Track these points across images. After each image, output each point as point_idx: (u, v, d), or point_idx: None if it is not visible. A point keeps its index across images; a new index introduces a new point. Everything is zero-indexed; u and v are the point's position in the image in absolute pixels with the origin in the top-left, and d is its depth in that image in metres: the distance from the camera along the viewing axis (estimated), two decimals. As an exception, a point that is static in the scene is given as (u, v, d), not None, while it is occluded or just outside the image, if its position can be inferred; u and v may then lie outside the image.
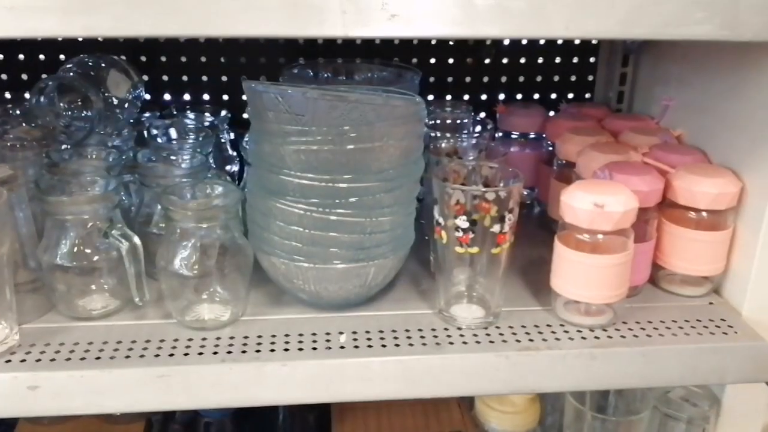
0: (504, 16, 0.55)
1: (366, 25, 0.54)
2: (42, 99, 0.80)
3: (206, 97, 1.04)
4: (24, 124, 0.81)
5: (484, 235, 0.67)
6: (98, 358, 0.65)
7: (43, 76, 0.87)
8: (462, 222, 0.67)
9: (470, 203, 0.67)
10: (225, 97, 1.03)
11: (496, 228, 0.67)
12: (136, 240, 0.68)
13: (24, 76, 0.98)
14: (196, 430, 0.82)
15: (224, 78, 1.03)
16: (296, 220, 0.68)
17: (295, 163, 0.66)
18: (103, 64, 0.85)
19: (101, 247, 0.70)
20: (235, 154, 0.96)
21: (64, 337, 0.68)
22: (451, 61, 1.05)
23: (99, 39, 0.94)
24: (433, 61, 1.05)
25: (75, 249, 0.70)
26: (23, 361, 0.64)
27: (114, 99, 0.84)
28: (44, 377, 0.62)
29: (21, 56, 0.97)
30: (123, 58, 0.89)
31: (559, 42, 1.05)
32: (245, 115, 1.02)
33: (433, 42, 1.04)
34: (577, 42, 1.06)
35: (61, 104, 0.82)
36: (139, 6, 0.51)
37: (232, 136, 0.97)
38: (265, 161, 0.69)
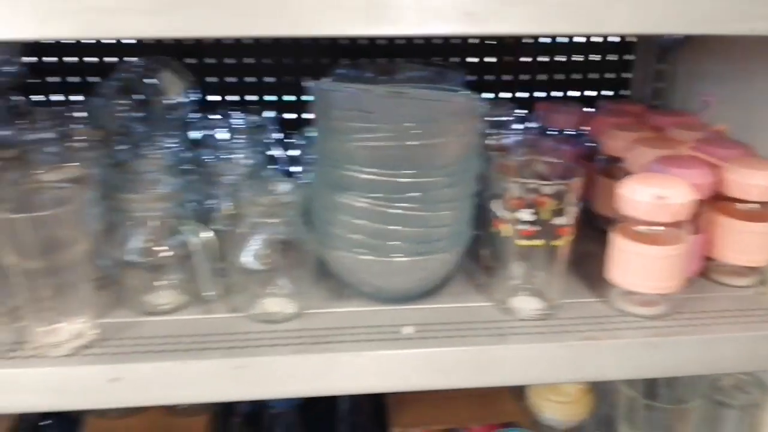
0: (573, 13, 0.57)
1: (445, 22, 0.56)
2: (103, 101, 0.82)
3: (249, 98, 1.05)
4: (86, 126, 0.83)
5: (547, 228, 0.69)
6: (174, 350, 0.66)
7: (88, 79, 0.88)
8: (525, 215, 0.68)
9: (532, 197, 0.68)
10: (271, 97, 1.05)
11: (558, 221, 0.68)
12: (208, 235, 0.70)
13: (88, 79, 1.00)
14: (261, 422, 0.84)
15: (269, 79, 1.04)
16: (361, 213, 0.70)
17: (361, 158, 0.68)
18: (157, 67, 0.87)
19: (170, 243, 0.72)
20: (281, 152, 0.98)
21: (136, 331, 0.70)
22: (489, 59, 1.07)
23: (150, 41, 0.96)
24: (471, 60, 1.07)
25: (145, 245, 0.72)
26: (102, 354, 0.66)
27: (168, 100, 0.86)
28: (125, 369, 0.64)
29: (86, 59, 0.99)
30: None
31: (598, 39, 1.07)
32: (287, 115, 1.04)
33: (471, 41, 1.06)
34: (615, 39, 1.08)
35: (121, 105, 0.84)
36: (225, 7, 0.53)
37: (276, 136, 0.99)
38: (331, 157, 0.70)
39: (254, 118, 0.94)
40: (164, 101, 0.85)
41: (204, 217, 0.76)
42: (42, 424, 0.84)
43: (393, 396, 0.86)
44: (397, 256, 0.71)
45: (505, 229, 0.71)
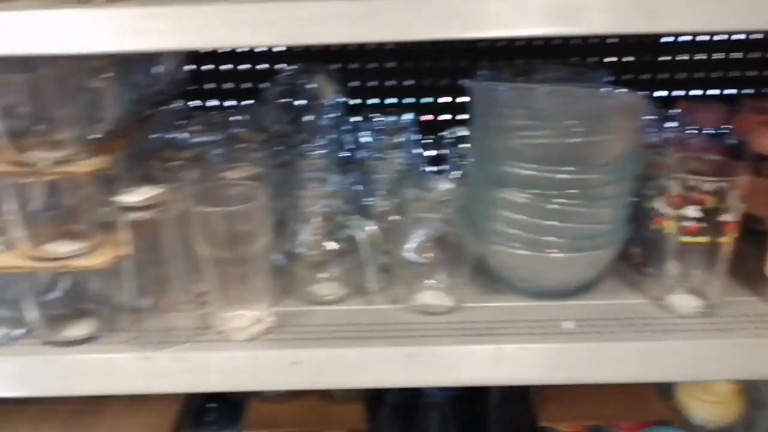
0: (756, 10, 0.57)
1: (626, 22, 0.57)
2: (266, 105, 0.88)
3: (388, 100, 1.09)
4: (249, 129, 0.89)
5: (712, 225, 0.69)
6: (345, 338, 0.70)
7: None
8: (691, 212, 0.68)
9: (694, 194, 0.69)
10: (410, 100, 1.08)
11: (725, 218, 0.68)
12: (373, 229, 0.74)
13: (244, 85, 1.06)
14: (414, 411, 0.87)
15: (408, 82, 1.07)
16: (520, 209, 0.72)
17: (523, 155, 0.70)
18: (312, 72, 0.92)
19: (335, 237, 0.76)
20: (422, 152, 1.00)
21: (307, 319, 0.74)
22: (629, 59, 1.07)
23: (299, 49, 1.01)
24: (610, 59, 1.07)
25: (312, 239, 0.76)
26: (281, 339, 0.70)
27: (323, 104, 0.91)
28: (304, 354, 0.68)
29: (245, 66, 1.05)
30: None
31: (741, 37, 1.05)
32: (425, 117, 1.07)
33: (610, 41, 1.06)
34: (759, 36, 1.05)
35: (281, 109, 0.89)
36: (420, 12, 0.56)
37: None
38: (491, 154, 0.73)
39: (394, 119, 0.98)
40: (320, 105, 0.90)
41: (365, 214, 0.80)
42: (208, 406, 0.90)
43: (540, 391, 0.88)
44: (554, 252, 0.72)
45: (667, 226, 0.71)
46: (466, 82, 0.74)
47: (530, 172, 0.71)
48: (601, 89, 0.72)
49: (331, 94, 0.92)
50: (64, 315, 0.74)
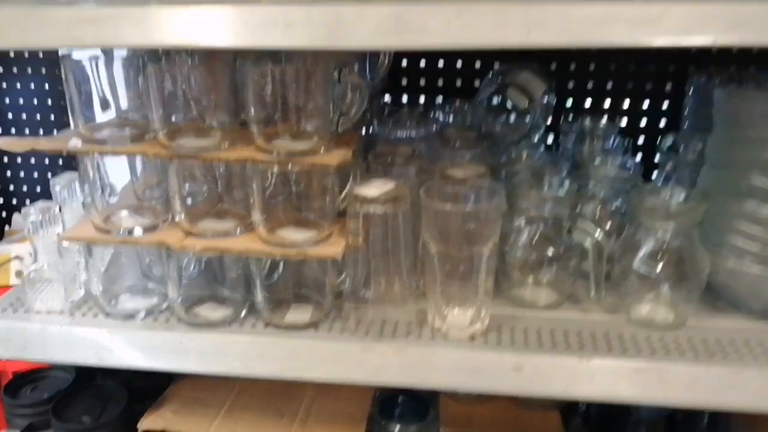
0: None
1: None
2: (482, 103, 0.87)
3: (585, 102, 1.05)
4: (460, 127, 0.88)
5: None
6: (565, 346, 0.68)
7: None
8: None
9: None
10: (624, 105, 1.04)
11: None
12: (600, 236, 0.72)
13: (458, 83, 1.06)
14: (616, 424, 0.84)
15: (625, 86, 1.03)
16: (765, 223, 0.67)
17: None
18: (524, 71, 0.90)
19: (557, 243, 0.74)
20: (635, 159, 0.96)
21: (522, 323, 0.73)
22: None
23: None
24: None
25: (533, 243, 0.75)
26: (500, 342, 0.69)
27: (535, 104, 0.89)
28: (527, 359, 0.67)
29: (458, 64, 1.05)
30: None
31: None
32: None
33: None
34: None
35: (493, 107, 0.88)
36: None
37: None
38: (738, 165, 0.69)
39: (605, 122, 0.94)
40: (532, 105, 0.88)
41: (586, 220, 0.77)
42: (400, 400, 0.90)
43: (743, 416, 0.83)
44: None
45: None
46: (716, 91, 0.70)
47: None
48: None
49: (542, 95, 0.90)
50: (284, 299, 0.76)
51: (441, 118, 0.93)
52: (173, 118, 0.70)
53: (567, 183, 0.76)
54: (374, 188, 0.68)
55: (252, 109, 0.67)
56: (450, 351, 0.69)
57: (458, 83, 1.05)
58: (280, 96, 0.67)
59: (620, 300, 0.74)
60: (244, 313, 0.75)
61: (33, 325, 0.74)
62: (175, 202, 0.72)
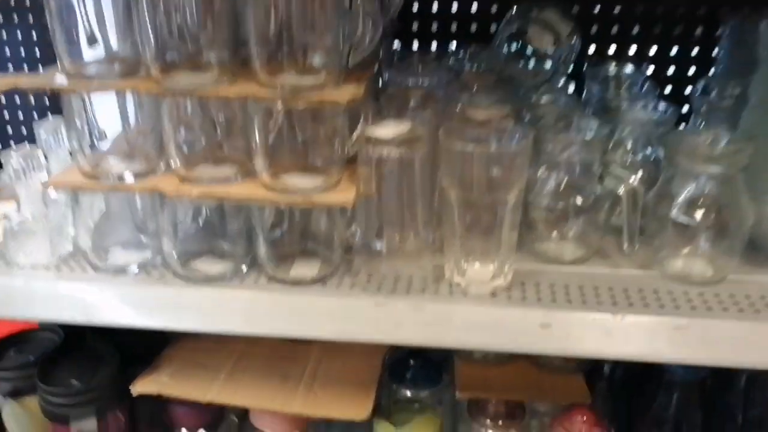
0: None
1: None
2: (500, 47, 0.81)
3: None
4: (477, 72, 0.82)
5: None
6: (587, 302, 0.63)
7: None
8: None
9: None
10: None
11: None
12: (635, 183, 0.66)
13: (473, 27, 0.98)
14: (646, 387, 0.79)
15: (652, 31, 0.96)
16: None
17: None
18: (547, 10, 0.84)
19: (586, 192, 0.68)
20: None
21: (547, 278, 0.67)
22: None
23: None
24: None
25: (559, 192, 0.69)
26: (526, 298, 0.64)
27: (557, 44, 0.83)
28: (555, 317, 0.61)
29: (473, 8, 0.97)
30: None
31: None
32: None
33: None
34: None
35: (512, 52, 0.81)
36: None
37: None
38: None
39: (632, 67, 0.88)
40: (553, 46, 0.82)
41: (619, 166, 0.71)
42: (411, 363, 0.85)
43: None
44: None
45: None
46: (763, 25, 0.64)
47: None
48: None
49: (567, 35, 0.83)
50: (290, 253, 0.70)
51: (455, 65, 0.86)
52: (167, 56, 0.63)
53: (596, 126, 0.69)
54: (388, 129, 0.62)
55: (253, 42, 0.61)
56: (470, 307, 0.63)
57: (473, 28, 0.98)
58: (285, 27, 0.60)
59: (654, 254, 0.68)
60: (245, 267, 0.69)
61: (15, 280, 0.68)
62: (169, 147, 0.66)
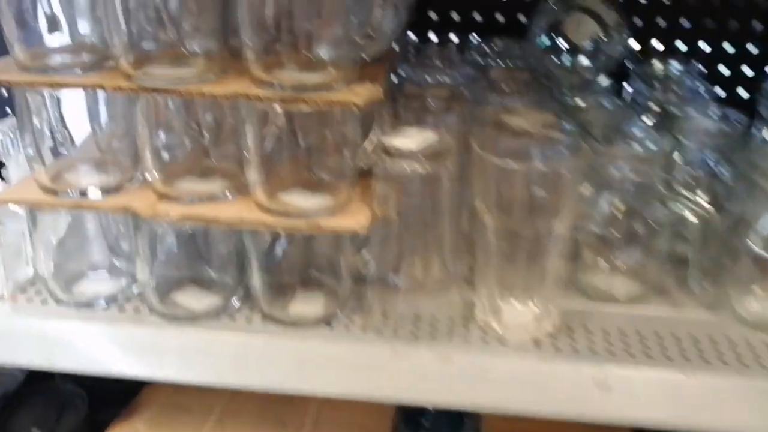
0: None
1: None
2: (534, 40, 0.69)
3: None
4: (508, 67, 0.70)
5: None
6: (666, 356, 0.51)
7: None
8: None
9: None
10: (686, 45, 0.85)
11: None
12: (708, 209, 0.54)
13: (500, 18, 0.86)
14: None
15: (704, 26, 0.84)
16: None
17: None
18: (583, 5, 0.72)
19: (644, 216, 0.57)
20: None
21: (598, 322, 0.56)
22: None
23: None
24: None
25: (612, 216, 0.57)
26: (576, 348, 0.52)
27: (603, 37, 0.71)
28: (613, 374, 0.50)
29: None
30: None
31: None
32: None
33: None
34: None
35: (548, 46, 0.70)
36: None
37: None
38: None
39: (682, 67, 0.76)
40: (596, 40, 0.70)
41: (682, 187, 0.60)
42: (425, 410, 0.73)
43: None
44: None
45: None
46: None
47: None
48: None
49: (613, 28, 0.71)
50: (288, 284, 0.59)
51: (479, 60, 0.75)
52: (142, 44, 0.52)
53: (657, 138, 0.58)
54: (411, 139, 0.51)
55: (246, 29, 0.49)
56: (509, 360, 0.51)
57: (500, 19, 0.86)
58: (286, 11, 0.49)
59: (724, 292, 0.57)
60: (236, 302, 0.58)
61: (-40, 313, 0.57)
62: (144, 155, 0.55)
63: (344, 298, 0.57)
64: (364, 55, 0.52)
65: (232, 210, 0.52)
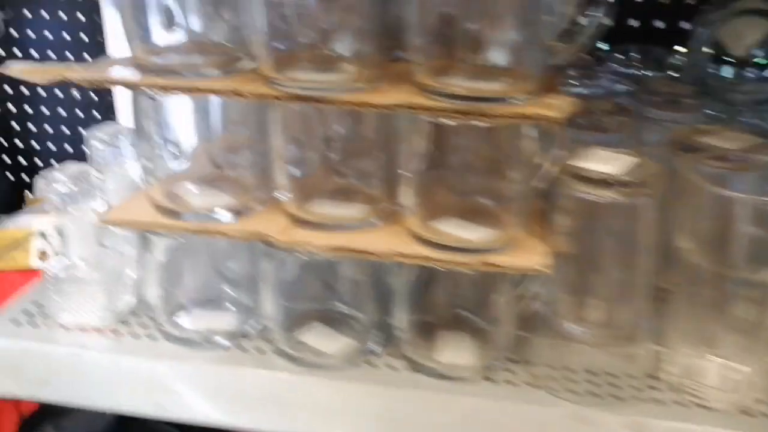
0: None
1: None
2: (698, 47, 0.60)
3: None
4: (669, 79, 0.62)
5: None
6: None
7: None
8: None
9: None
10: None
11: None
12: None
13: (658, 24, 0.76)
14: None
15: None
16: None
17: None
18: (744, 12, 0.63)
19: None
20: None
21: None
22: None
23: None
24: None
25: None
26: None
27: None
28: None
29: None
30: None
31: None
32: None
33: None
34: None
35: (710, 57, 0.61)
36: None
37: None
38: None
39: None
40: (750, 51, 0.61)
41: None
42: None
43: None
44: None
45: None
46: None
47: None
48: None
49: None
50: (434, 325, 0.50)
51: (625, 70, 0.66)
52: (279, 44, 0.44)
53: None
54: (606, 162, 0.42)
55: (414, 27, 0.41)
56: (716, 430, 0.42)
57: (652, 23, 0.75)
58: (461, 6, 0.41)
59: None
60: (372, 345, 0.49)
61: (58, 349, 0.49)
62: (277, 172, 0.47)
63: (501, 344, 0.48)
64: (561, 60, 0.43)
65: (384, 241, 0.44)
